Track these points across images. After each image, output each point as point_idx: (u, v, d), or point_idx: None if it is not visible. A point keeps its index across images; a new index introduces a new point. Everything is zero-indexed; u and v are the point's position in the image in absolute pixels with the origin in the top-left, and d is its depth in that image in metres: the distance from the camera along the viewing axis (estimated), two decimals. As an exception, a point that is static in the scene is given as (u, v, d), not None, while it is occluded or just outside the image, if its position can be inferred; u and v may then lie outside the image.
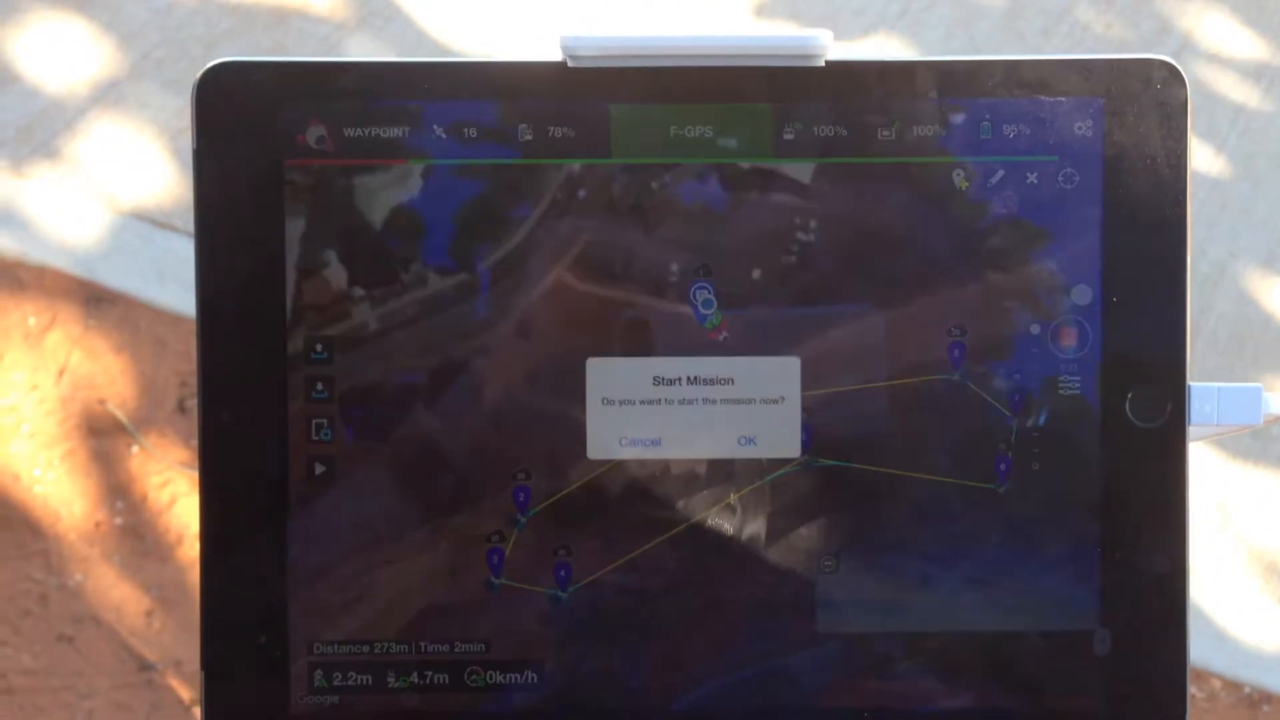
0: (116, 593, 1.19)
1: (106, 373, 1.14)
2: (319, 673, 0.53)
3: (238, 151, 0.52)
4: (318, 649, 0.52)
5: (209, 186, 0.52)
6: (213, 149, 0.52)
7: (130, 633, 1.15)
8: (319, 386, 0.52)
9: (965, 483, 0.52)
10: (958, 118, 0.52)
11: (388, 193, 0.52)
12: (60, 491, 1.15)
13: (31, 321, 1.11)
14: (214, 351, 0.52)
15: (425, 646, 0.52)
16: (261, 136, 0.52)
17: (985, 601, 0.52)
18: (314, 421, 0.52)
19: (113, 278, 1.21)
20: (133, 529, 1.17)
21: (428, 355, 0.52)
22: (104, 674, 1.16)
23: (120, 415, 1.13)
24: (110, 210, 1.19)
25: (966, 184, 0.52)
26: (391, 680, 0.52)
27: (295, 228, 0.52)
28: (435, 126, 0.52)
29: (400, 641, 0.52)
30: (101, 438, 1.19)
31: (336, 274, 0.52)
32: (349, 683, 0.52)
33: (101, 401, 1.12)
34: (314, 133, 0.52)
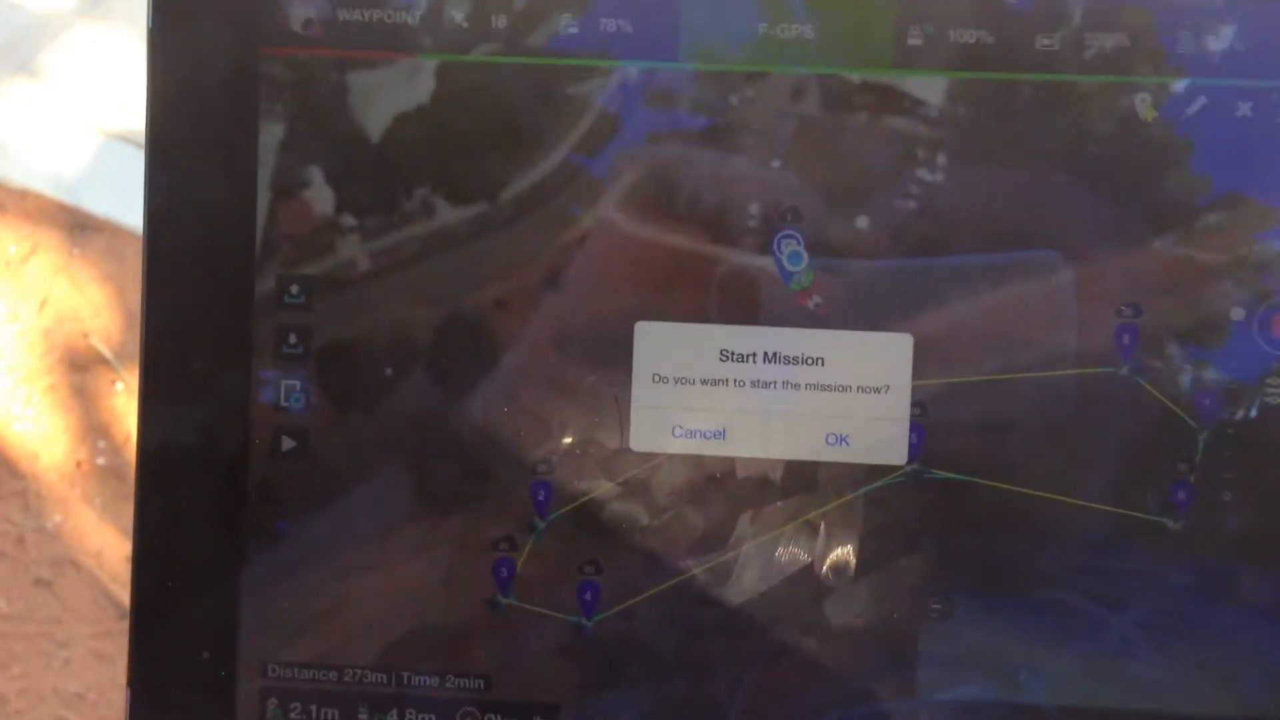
0: (97, 536, 1.08)
1: (91, 304, 1.02)
2: (273, 701, 0.39)
3: (203, 35, 0.39)
4: (273, 671, 0.39)
5: (166, 79, 0.39)
6: (173, 32, 0.38)
7: (111, 578, 1.04)
8: (292, 339, 0.39)
9: (1129, 513, 0.37)
10: (1145, 22, 0.37)
11: (391, 95, 0.38)
12: (40, 429, 1.04)
13: (12, 249, 0.99)
14: (161, 289, 0.39)
15: (409, 678, 0.39)
16: (233, 16, 0.38)
17: (1149, 672, 0.37)
18: (284, 384, 0.39)
19: (98, 204, 1.10)
20: (115, 470, 1.06)
21: (432, 307, 0.38)
22: (83, 621, 1.05)
23: (104, 349, 1.01)
24: (97, 132, 1.07)
25: (1153, 114, 0.37)
26: (364, 717, 0.39)
27: (271, 135, 0.39)
28: (454, 12, 0.38)
29: (378, 669, 0.39)
30: (84, 373, 1.08)
31: (321, 197, 0.39)
32: (310, 716, 0.39)
33: (85, 335, 1.00)
34: (299, 13, 0.39)
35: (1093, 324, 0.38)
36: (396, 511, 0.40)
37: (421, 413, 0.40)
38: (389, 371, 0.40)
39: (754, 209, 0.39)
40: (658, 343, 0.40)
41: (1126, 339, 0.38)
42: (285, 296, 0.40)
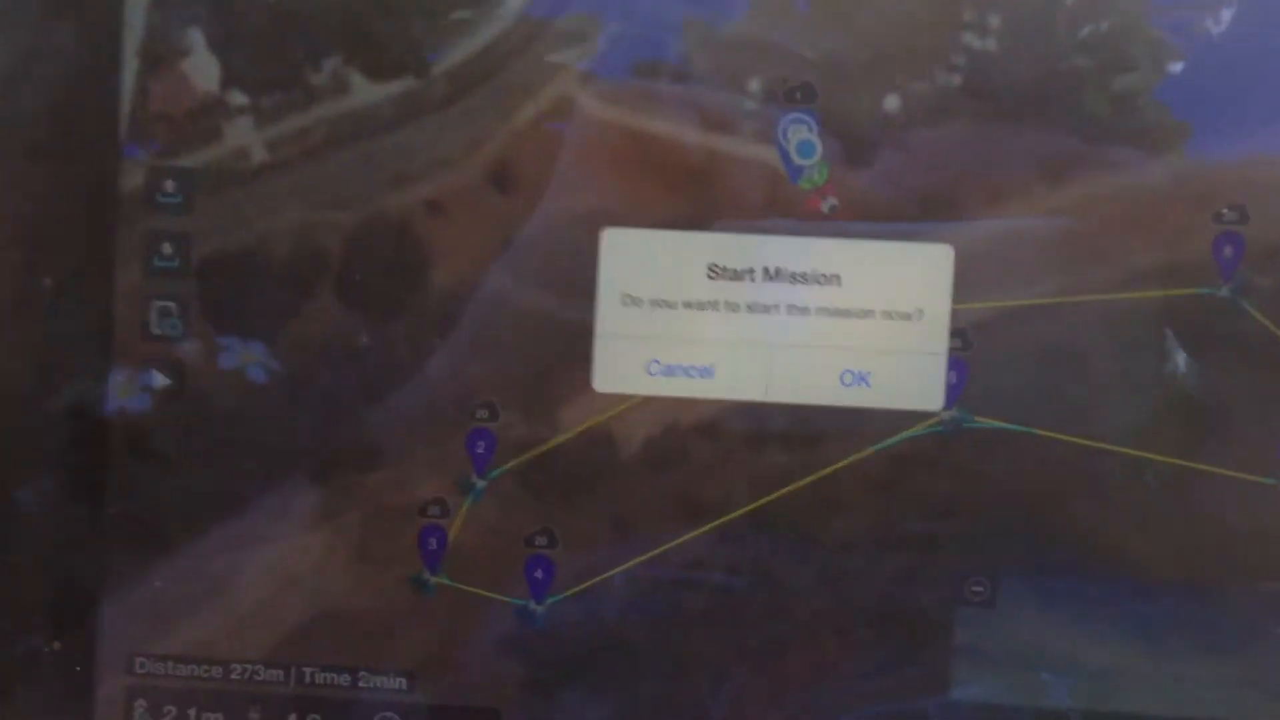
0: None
1: None
2: (141, 704, 0.30)
3: None
4: (141, 666, 0.30)
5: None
6: None
7: None
8: (166, 250, 0.29)
9: (1229, 473, 0.28)
10: None
11: (290, -65, 0.29)
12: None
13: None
14: (-4, 178, 0.29)
15: (312, 676, 0.30)
16: None
17: (1254, 676, 0.28)
18: (156, 305, 0.29)
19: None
20: None
21: (345, 210, 0.29)
22: None
23: None
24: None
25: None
26: (256, 726, 0.30)
27: (138, -15, 0.29)
28: None
29: (274, 665, 0.30)
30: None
31: (203, 68, 0.29)
32: (187, 725, 0.30)
33: None
34: None
35: (1187, 234, 0.29)
36: (297, 468, 0.30)
37: (330, 343, 0.30)
38: (289, 291, 0.30)
39: (753, 85, 0.30)
40: (630, 255, 0.30)
41: (1229, 251, 0.29)
42: (158, 195, 0.31)
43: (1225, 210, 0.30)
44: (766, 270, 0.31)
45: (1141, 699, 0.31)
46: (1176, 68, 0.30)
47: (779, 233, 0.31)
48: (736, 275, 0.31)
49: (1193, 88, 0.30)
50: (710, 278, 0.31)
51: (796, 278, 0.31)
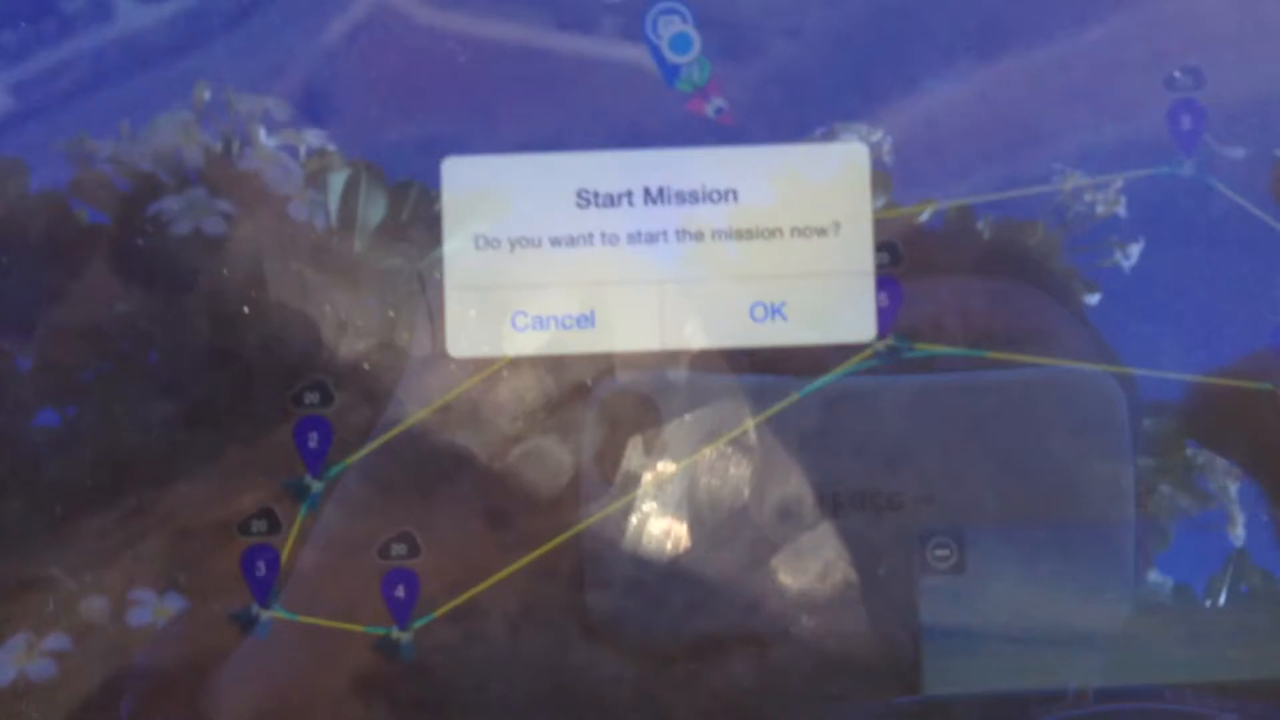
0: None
1: None
2: None
3: None
4: None
5: None
6: None
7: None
8: None
9: (1212, 380, 0.22)
10: None
11: None
12: None
13: None
14: None
15: None
16: None
17: (1255, 622, 0.22)
18: None
19: None
20: None
21: (119, 160, 0.21)
22: None
23: None
24: None
25: None
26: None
27: None
28: None
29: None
30: None
31: None
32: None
33: None
34: None
35: (1140, 104, 0.23)
36: (73, 490, 0.22)
37: (107, 329, 0.23)
38: (51, 270, 0.23)
39: (612, -30, 0.24)
40: (480, 187, 0.23)
41: (1187, 121, 0.23)
42: None
43: (1178, 74, 0.24)
44: (648, 191, 0.24)
45: (1143, 665, 0.24)
46: None
47: (660, 144, 0.24)
48: (612, 201, 0.24)
49: None
50: (580, 206, 0.24)
51: (685, 197, 0.24)
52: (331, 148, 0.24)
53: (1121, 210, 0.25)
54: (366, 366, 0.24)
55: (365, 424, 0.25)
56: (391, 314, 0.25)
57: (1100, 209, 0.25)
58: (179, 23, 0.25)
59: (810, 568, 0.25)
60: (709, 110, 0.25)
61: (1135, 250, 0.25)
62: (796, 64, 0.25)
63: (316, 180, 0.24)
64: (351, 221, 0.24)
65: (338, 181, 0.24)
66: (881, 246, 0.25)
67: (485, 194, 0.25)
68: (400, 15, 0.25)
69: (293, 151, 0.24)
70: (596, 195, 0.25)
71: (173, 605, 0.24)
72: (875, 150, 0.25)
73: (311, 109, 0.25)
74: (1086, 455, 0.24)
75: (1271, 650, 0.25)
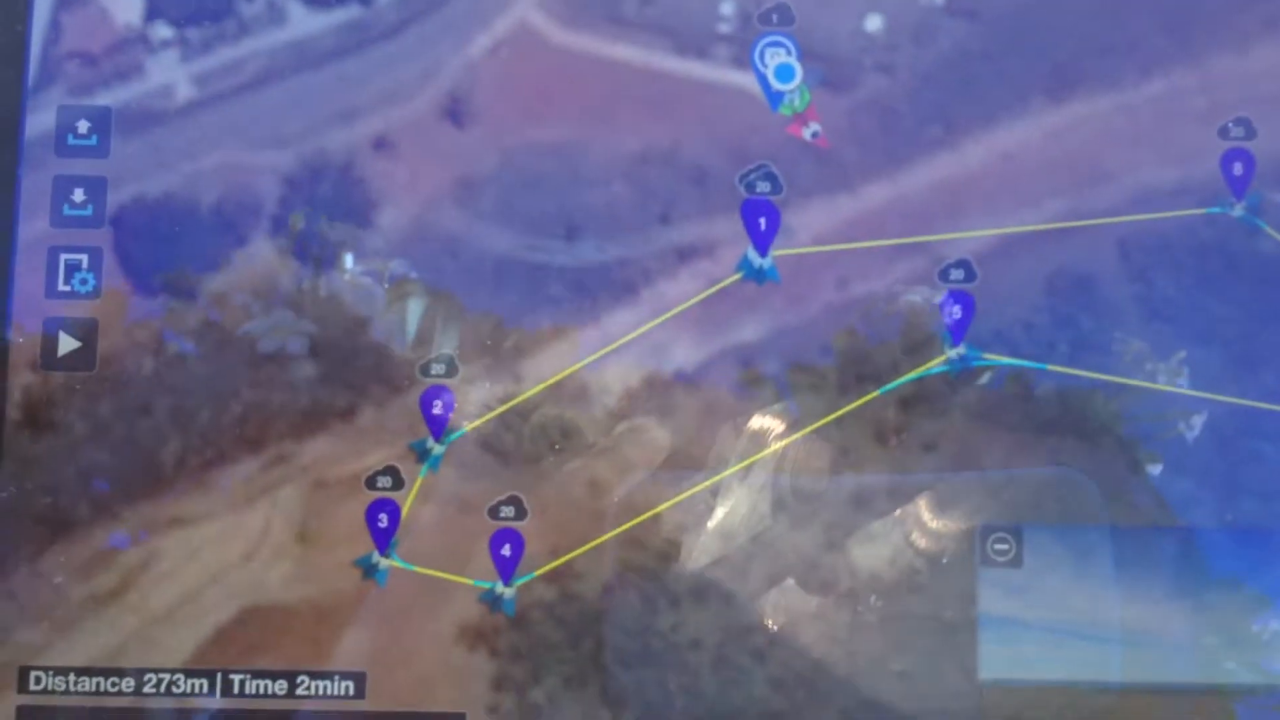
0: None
1: None
2: None
3: None
4: (36, 681, 0.24)
5: None
6: None
7: None
8: (78, 196, 0.24)
9: (1256, 404, 0.24)
10: None
11: None
12: None
13: None
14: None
15: (241, 684, 0.23)
16: None
17: None
18: (64, 259, 0.24)
19: None
20: None
21: (282, 149, 0.24)
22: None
23: None
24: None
25: None
26: (173, 746, 0.24)
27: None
28: None
29: (195, 673, 0.23)
30: None
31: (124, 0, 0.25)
32: (89, 749, 0.24)
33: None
34: None
35: (1194, 149, 0.26)
36: (223, 437, 0.25)
37: (263, 296, 0.25)
38: (218, 241, 0.25)
39: (727, 7, 0.26)
40: (590, 175, 0.26)
41: (1238, 168, 0.25)
42: (70, 136, 0.26)
43: (1231, 125, 0.26)
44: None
45: (1188, 664, 0.26)
46: None
47: (763, 156, 0.27)
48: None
49: None
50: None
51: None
52: (414, 276, 0.26)
53: (1184, 381, 0.26)
54: (489, 343, 0.27)
55: (487, 395, 0.27)
56: (515, 296, 0.27)
57: (1162, 379, 0.26)
58: (346, 28, 0.28)
59: (880, 552, 0.27)
60: (806, 134, 0.28)
61: (1198, 421, 0.26)
62: (886, 96, 0.27)
63: (397, 306, 0.26)
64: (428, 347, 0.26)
65: (416, 308, 0.26)
66: (958, 264, 0.27)
67: (598, 179, 0.27)
68: (538, 33, 0.28)
69: (377, 277, 0.27)
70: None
71: (305, 548, 0.26)
72: (1111, 229, 0.27)
73: (453, 114, 0.27)
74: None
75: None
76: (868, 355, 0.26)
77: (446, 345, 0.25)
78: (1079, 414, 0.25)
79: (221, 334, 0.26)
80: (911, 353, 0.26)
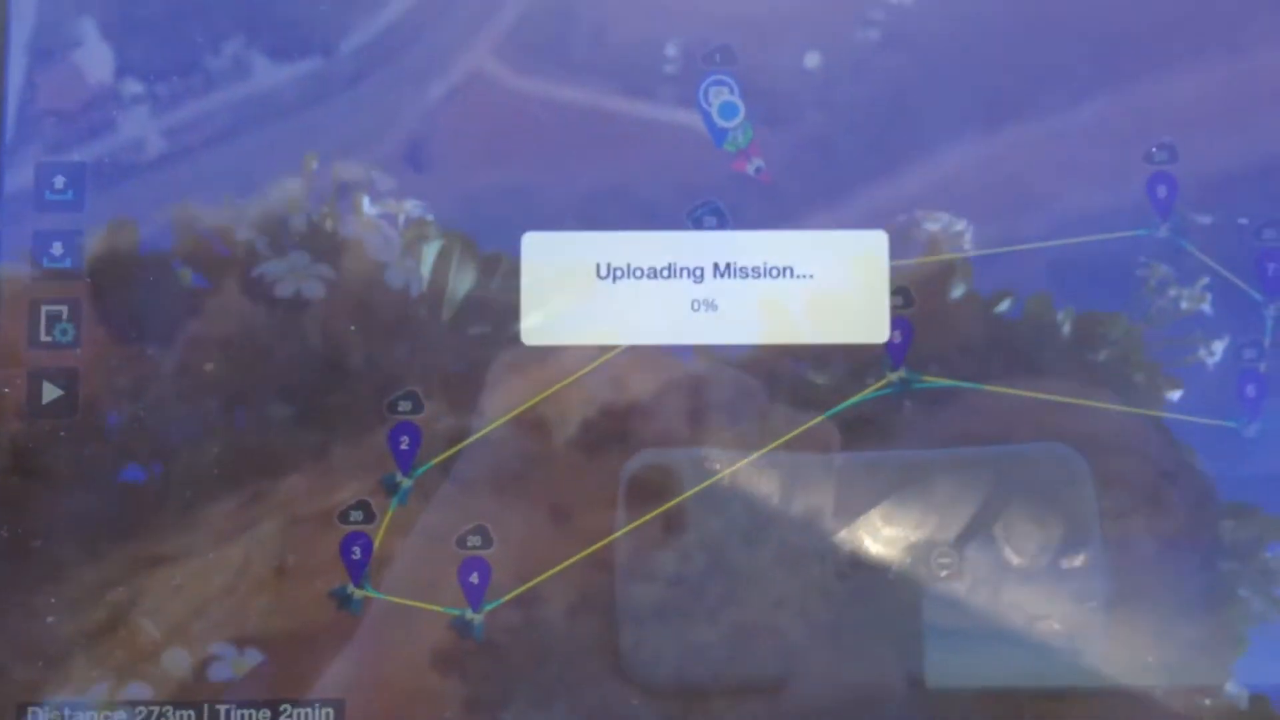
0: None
1: None
2: None
3: None
4: (34, 716, 0.25)
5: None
6: None
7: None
8: (56, 249, 0.25)
9: (1185, 418, 0.25)
10: None
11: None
12: None
13: None
14: None
15: (229, 713, 0.25)
16: None
17: (1224, 632, 0.25)
18: (45, 310, 0.25)
19: None
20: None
21: (250, 197, 0.25)
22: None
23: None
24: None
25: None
26: (162, 773, 0.25)
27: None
28: None
29: (182, 704, 0.24)
30: None
31: (95, 57, 0.26)
32: (82, 778, 0.25)
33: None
34: None
35: (1122, 173, 0.27)
36: (204, 477, 0.26)
37: (236, 339, 0.26)
38: (192, 285, 0.26)
39: (670, 49, 0.27)
40: (550, 242, 0.27)
41: (1163, 190, 0.27)
42: (47, 191, 0.27)
43: (1156, 149, 0.28)
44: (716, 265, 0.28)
45: (1121, 667, 0.27)
46: None
47: (706, 197, 0.28)
48: (689, 273, 0.28)
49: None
50: (654, 278, 0.28)
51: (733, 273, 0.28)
52: (430, 218, 0.28)
53: (1207, 307, 0.27)
54: (459, 379, 0.28)
55: (450, 430, 0.28)
56: (479, 337, 0.28)
57: (1185, 305, 0.28)
58: (308, 79, 0.29)
59: (829, 569, 0.28)
60: (750, 169, 0.29)
61: (1219, 347, 0.28)
62: (826, 130, 0.29)
63: (413, 249, 0.28)
64: (442, 290, 0.28)
65: (431, 251, 0.28)
66: (899, 292, 0.28)
67: (557, 242, 0.28)
68: (492, 80, 0.29)
69: (392, 220, 0.28)
70: (675, 267, 0.29)
71: (281, 581, 0.28)
72: (957, 239, 0.28)
73: (413, 159, 0.29)
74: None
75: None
76: (809, 381, 0.27)
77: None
78: (1100, 339, 0.26)
79: (199, 377, 0.27)
80: (855, 377, 0.27)
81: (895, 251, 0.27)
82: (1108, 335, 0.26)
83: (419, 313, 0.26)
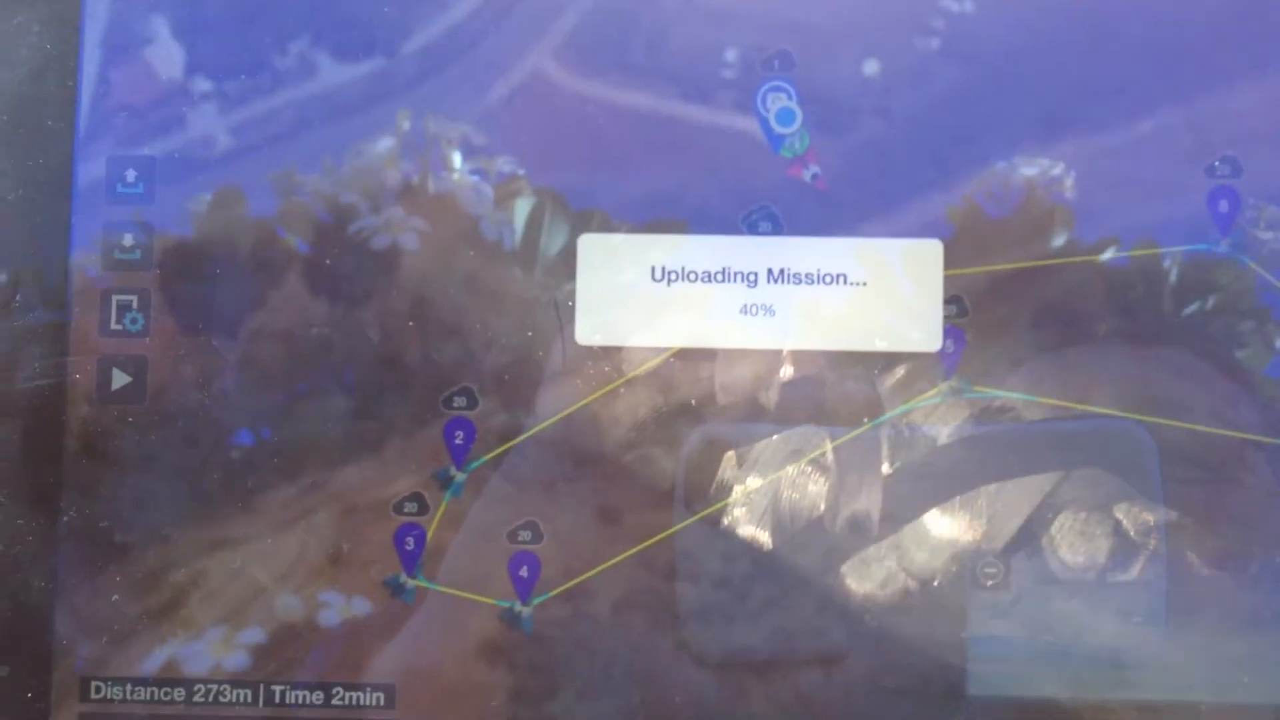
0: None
1: None
2: None
3: None
4: (98, 690, 0.25)
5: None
6: None
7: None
8: (127, 241, 0.26)
9: (1239, 435, 0.25)
10: None
11: (255, -80, 0.27)
12: None
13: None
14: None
15: (283, 694, 0.25)
16: None
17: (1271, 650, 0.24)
18: (116, 300, 0.26)
19: None
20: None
21: (313, 193, 0.25)
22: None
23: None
24: None
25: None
26: (220, 750, 0.26)
27: (98, -28, 0.27)
28: None
29: (241, 684, 0.25)
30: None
31: (166, 55, 0.26)
32: (145, 752, 0.26)
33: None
34: None
35: (1182, 189, 0.26)
36: (264, 467, 0.26)
37: (298, 333, 0.27)
38: (257, 281, 0.27)
39: (730, 55, 0.27)
40: (605, 242, 0.27)
41: (1224, 205, 0.26)
42: (119, 185, 0.27)
43: (1218, 164, 0.27)
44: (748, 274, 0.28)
45: (1164, 682, 0.27)
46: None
47: (764, 199, 0.28)
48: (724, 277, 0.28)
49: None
50: (704, 281, 0.28)
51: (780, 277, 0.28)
52: (521, 173, 0.28)
53: None
54: (513, 374, 0.28)
55: (505, 426, 0.28)
56: (530, 334, 0.28)
57: None
58: (371, 79, 0.29)
59: (874, 575, 0.28)
60: (806, 175, 0.29)
61: None
62: (883, 138, 0.28)
63: (505, 204, 0.28)
64: (535, 245, 0.28)
65: (524, 207, 0.28)
66: (953, 302, 0.28)
67: (612, 242, 0.29)
68: (552, 81, 0.29)
69: (484, 176, 0.28)
70: (727, 271, 0.29)
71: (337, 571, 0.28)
72: (1057, 185, 0.28)
73: (473, 159, 0.29)
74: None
75: None
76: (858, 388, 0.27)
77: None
78: (1209, 285, 0.25)
79: (262, 370, 0.27)
80: (907, 385, 0.27)
81: (950, 260, 0.27)
82: (1215, 281, 0.25)
83: (513, 270, 0.27)
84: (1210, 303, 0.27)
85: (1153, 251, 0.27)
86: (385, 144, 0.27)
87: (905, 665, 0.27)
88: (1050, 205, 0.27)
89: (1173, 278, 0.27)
